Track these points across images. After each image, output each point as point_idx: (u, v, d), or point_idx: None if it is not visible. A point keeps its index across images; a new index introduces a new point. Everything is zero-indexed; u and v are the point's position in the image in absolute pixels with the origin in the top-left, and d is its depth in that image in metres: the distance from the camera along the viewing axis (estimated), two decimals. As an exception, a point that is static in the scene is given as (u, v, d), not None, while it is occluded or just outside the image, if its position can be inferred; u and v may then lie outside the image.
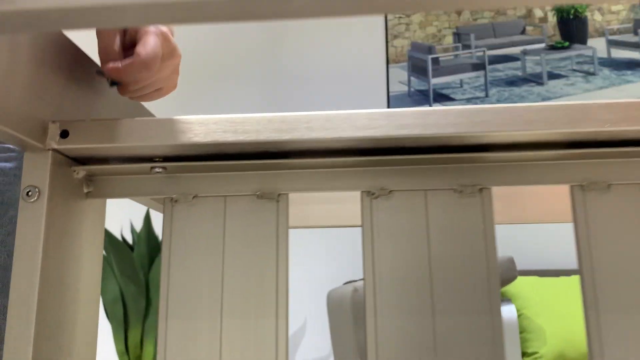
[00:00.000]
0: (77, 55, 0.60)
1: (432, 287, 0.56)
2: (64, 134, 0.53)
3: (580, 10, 3.05)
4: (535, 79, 3.00)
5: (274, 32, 3.18)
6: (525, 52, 3.04)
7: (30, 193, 0.52)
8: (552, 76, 3.00)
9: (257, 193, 0.58)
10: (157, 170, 0.57)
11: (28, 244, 0.52)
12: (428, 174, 0.57)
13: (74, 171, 0.57)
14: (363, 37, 3.15)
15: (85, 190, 0.59)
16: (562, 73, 2.99)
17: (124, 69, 0.60)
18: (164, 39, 0.65)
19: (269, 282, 0.57)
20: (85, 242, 0.59)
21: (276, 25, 3.17)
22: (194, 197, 0.59)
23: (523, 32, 3.08)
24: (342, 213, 1.04)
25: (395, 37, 3.13)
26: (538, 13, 3.08)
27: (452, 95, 3.01)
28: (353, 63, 3.12)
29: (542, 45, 3.04)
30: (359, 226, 1.34)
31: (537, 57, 3.02)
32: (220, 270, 0.58)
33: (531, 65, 3.02)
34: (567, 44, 3.03)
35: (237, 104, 3.12)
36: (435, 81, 3.04)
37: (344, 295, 2.40)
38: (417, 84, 3.05)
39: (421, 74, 3.06)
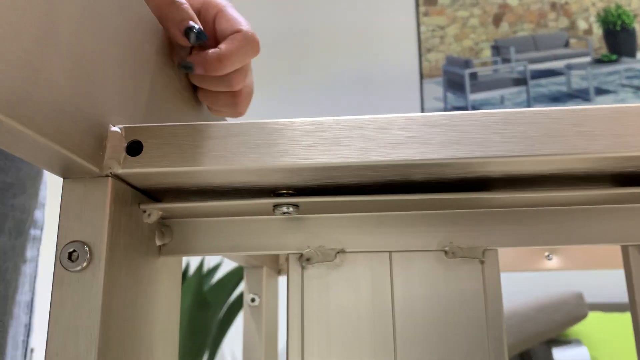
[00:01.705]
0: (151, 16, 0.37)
1: None
2: (135, 148, 0.30)
3: (627, 22, 2.85)
4: (581, 95, 2.79)
5: (301, 42, 2.98)
6: (569, 67, 2.83)
7: (74, 255, 0.29)
8: (600, 92, 2.78)
9: (445, 248, 0.35)
10: (284, 210, 0.34)
11: (74, 335, 0.28)
12: None
13: (144, 212, 0.34)
14: (395, 50, 2.95)
15: (159, 243, 0.36)
16: (610, 88, 2.78)
17: (229, 50, 0.42)
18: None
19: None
20: (159, 324, 0.36)
21: (303, 35, 2.97)
22: (338, 252, 0.36)
23: (566, 45, 2.87)
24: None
25: (429, 50, 2.92)
26: (582, 25, 2.88)
27: (492, 113, 2.79)
28: (384, 77, 2.91)
29: (588, 58, 2.83)
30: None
31: (583, 72, 2.81)
32: (377, 373, 0.34)
33: (576, 80, 2.81)
34: (614, 57, 2.82)
35: (258, 118, 2.90)
36: (473, 97, 2.83)
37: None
38: (453, 100, 2.84)
39: (458, 89, 2.85)
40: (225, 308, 2.13)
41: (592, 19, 2.88)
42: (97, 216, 0.29)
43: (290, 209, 0.34)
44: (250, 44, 0.43)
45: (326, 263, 0.35)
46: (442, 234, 0.35)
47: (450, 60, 2.90)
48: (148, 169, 0.30)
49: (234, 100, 0.47)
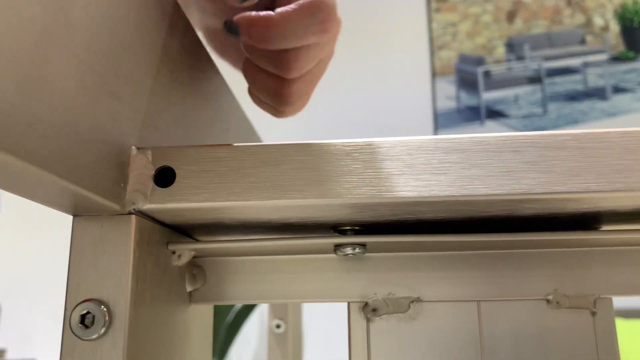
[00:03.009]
0: (180, 21, 0.30)
1: None
2: (165, 177, 0.24)
3: (645, 18, 2.77)
4: (598, 94, 2.71)
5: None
6: (585, 64, 2.75)
7: (89, 319, 0.22)
8: (617, 90, 2.71)
9: (548, 296, 0.28)
10: (348, 251, 0.27)
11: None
12: None
13: (173, 253, 0.27)
14: (405, 47, 2.87)
15: (190, 289, 0.29)
16: (628, 87, 2.70)
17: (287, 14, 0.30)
18: None
19: None
20: (185, 391, 0.29)
21: (310, 35, 2.89)
22: (412, 301, 0.29)
23: (582, 42, 2.80)
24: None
25: (441, 48, 2.85)
26: (598, 21, 2.80)
27: (506, 112, 2.73)
28: (394, 76, 2.84)
29: (605, 56, 2.75)
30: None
31: (600, 70, 2.74)
32: None
33: (593, 79, 2.73)
34: (632, 54, 2.74)
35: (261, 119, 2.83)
36: (486, 96, 2.76)
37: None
38: (466, 99, 2.77)
39: (471, 88, 2.77)
40: (233, 314, 2.07)
41: (609, 15, 2.81)
42: (117, 265, 0.23)
43: (357, 249, 0.27)
44: (316, 14, 0.30)
45: (397, 314, 0.28)
46: (544, 279, 0.28)
47: (463, 58, 2.83)
48: (183, 204, 0.23)
49: (280, 90, 0.34)
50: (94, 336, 0.22)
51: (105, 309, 0.22)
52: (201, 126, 0.33)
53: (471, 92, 2.75)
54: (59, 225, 2.52)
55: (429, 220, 0.26)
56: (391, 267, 0.29)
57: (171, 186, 0.23)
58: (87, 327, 0.22)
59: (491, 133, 0.23)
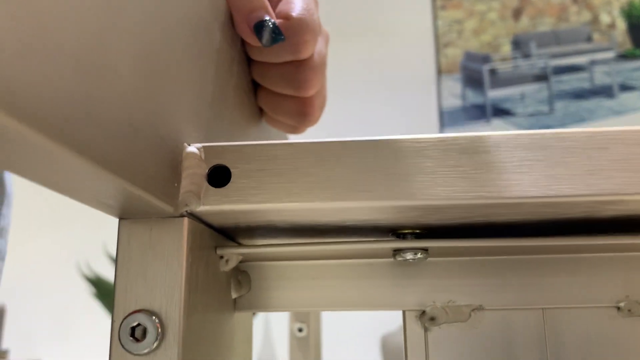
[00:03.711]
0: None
1: None
2: (219, 177, 0.22)
3: (652, 16, 2.75)
4: (605, 92, 2.70)
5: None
6: (592, 62, 2.73)
7: (139, 331, 0.20)
8: (624, 88, 2.69)
9: (620, 303, 0.26)
10: (408, 256, 0.25)
11: None
12: None
13: (221, 257, 0.25)
14: (410, 45, 2.85)
15: (235, 295, 0.27)
16: (636, 85, 2.69)
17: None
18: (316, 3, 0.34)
19: None
20: (229, 405, 0.27)
21: (314, 33, 2.88)
22: (474, 310, 0.27)
23: (589, 39, 2.78)
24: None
25: (446, 45, 2.83)
26: (605, 19, 2.78)
27: (512, 110, 2.71)
28: (399, 74, 2.82)
29: (611, 54, 2.74)
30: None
31: (606, 67, 2.72)
32: None
33: (600, 77, 2.72)
34: (639, 52, 2.72)
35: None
36: (492, 94, 2.74)
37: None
38: (472, 97, 2.75)
39: (476, 86, 2.76)
40: (239, 314, 2.05)
41: (616, 12, 2.79)
42: (169, 273, 0.21)
43: (418, 254, 0.25)
44: (289, 37, 0.30)
45: (457, 324, 0.27)
46: (615, 285, 0.26)
47: (469, 56, 2.81)
48: (240, 206, 0.21)
49: (303, 109, 0.35)
50: (146, 350, 0.20)
51: (157, 320, 0.20)
52: (251, 130, 0.31)
53: (477, 90, 2.73)
54: (62, 226, 2.50)
55: (495, 223, 0.24)
56: (451, 272, 0.27)
57: (226, 186, 0.21)
58: (138, 340, 0.20)
59: (575, 129, 0.21)
